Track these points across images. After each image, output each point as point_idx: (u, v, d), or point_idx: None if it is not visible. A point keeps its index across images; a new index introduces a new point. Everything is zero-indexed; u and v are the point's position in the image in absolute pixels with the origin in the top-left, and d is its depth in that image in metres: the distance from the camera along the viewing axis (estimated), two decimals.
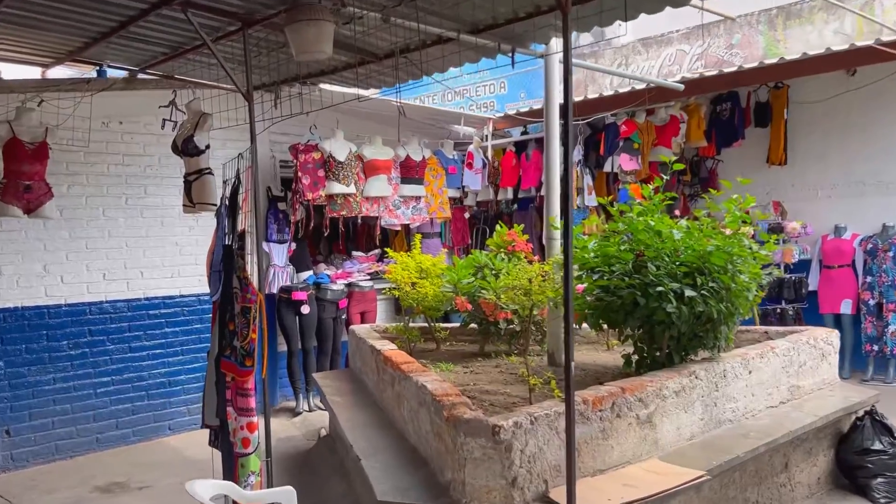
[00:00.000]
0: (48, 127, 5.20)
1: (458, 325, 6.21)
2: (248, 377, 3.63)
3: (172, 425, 6.54)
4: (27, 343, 5.77)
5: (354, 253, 8.06)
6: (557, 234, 4.88)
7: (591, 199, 7.64)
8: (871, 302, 7.42)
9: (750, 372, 4.23)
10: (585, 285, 4.15)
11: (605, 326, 4.27)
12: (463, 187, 8.25)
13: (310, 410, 7.02)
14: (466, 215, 8.82)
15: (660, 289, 3.73)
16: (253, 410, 3.69)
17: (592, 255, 4.39)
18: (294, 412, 6.99)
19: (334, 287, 7.29)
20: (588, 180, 7.68)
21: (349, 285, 7.50)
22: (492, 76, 10.72)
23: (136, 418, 6.33)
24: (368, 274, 7.81)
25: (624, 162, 7.42)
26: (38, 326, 5.83)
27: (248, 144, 4.28)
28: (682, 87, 7.01)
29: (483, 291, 5.12)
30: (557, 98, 4.94)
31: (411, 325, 6.18)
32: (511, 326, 5.16)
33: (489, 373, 4.74)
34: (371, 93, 6.17)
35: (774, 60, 7.10)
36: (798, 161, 8.20)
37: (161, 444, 6.39)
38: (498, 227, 5.76)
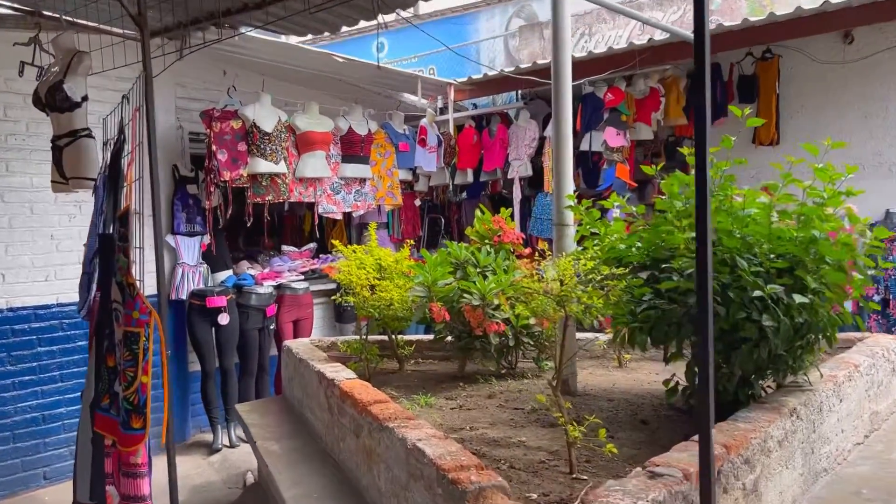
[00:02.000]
0: None
1: (421, 337, 4.94)
2: (136, 446, 2.26)
3: (49, 473, 5.01)
4: None
5: (284, 248, 6.67)
6: (571, 218, 3.69)
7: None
8: (876, 298, 6.59)
9: (840, 400, 3.16)
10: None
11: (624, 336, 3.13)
12: (414, 168, 6.96)
13: (231, 446, 5.60)
14: (417, 202, 7.54)
15: (757, 293, 2.58)
16: (147, 499, 2.33)
17: (627, 246, 3.23)
18: (211, 448, 5.55)
19: (260, 290, 5.88)
20: None
21: (279, 288, 6.10)
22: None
23: None
24: (302, 273, 6.43)
25: (610, 137, 6.31)
26: None
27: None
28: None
29: (466, 296, 3.90)
30: (569, 43, 3.74)
31: (349, 338, 4.90)
32: (502, 341, 3.95)
33: (484, 407, 3.50)
34: (306, 41, 4.83)
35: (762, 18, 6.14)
36: (790, 140, 7.31)
37: (33, 500, 4.86)
38: (478, 212, 4.52)
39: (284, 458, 3.54)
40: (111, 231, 2.63)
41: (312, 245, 6.77)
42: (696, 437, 2.37)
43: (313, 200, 6.11)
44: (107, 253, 2.62)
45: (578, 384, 3.79)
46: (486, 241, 4.35)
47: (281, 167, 5.66)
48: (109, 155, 2.86)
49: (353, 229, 7.40)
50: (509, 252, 4.32)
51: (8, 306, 4.85)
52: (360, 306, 4.10)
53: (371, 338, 4.95)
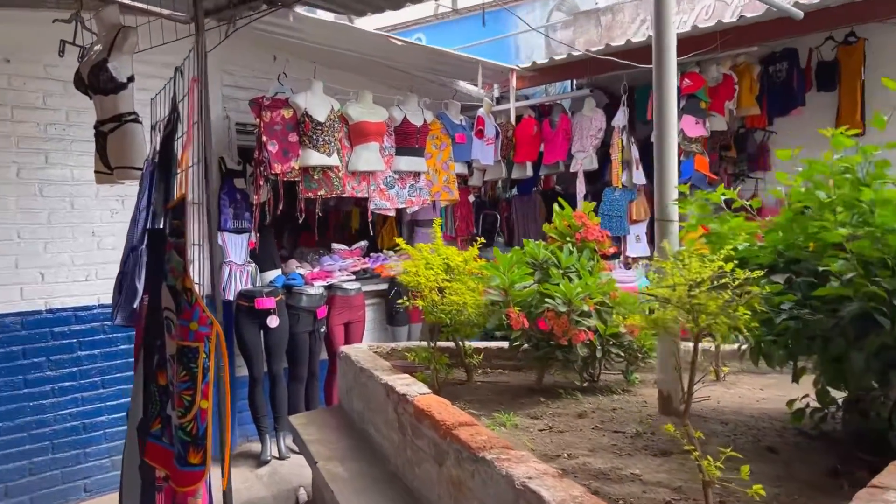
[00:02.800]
0: None
1: (489, 344, 4.52)
2: (194, 486, 1.87)
3: (90, 485, 4.70)
4: None
5: (334, 246, 6.29)
6: (676, 214, 3.23)
7: (640, 176, 6.01)
8: None
9: None
10: None
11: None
12: (470, 162, 6.53)
13: (280, 458, 5.24)
14: (471, 198, 7.11)
15: None
16: None
17: (749, 245, 2.76)
18: (259, 460, 5.20)
19: (311, 291, 5.51)
20: (636, 152, 6.05)
21: (329, 288, 5.73)
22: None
23: (36, 480, 4.46)
24: (353, 273, 6.05)
25: (688, 126, 5.80)
26: None
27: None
28: (801, 14, 5.38)
29: (549, 301, 3.47)
30: (672, 14, 3.28)
31: (409, 344, 4.51)
32: (589, 352, 3.51)
33: (577, 429, 3.07)
34: (364, 24, 4.44)
35: None
36: (876, 130, 6.72)
37: None
38: (556, 206, 4.07)
39: (351, 484, 3.14)
40: (162, 225, 2.26)
41: (363, 243, 6.39)
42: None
43: (366, 196, 5.72)
44: (156, 251, 2.25)
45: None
46: (568, 238, 3.90)
47: (334, 159, 5.28)
48: (160, 138, 2.50)
49: (404, 227, 7.00)
50: (593, 251, 3.87)
51: (47, 307, 4.54)
52: (429, 311, 3.69)
53: (425, 343, 4.56)
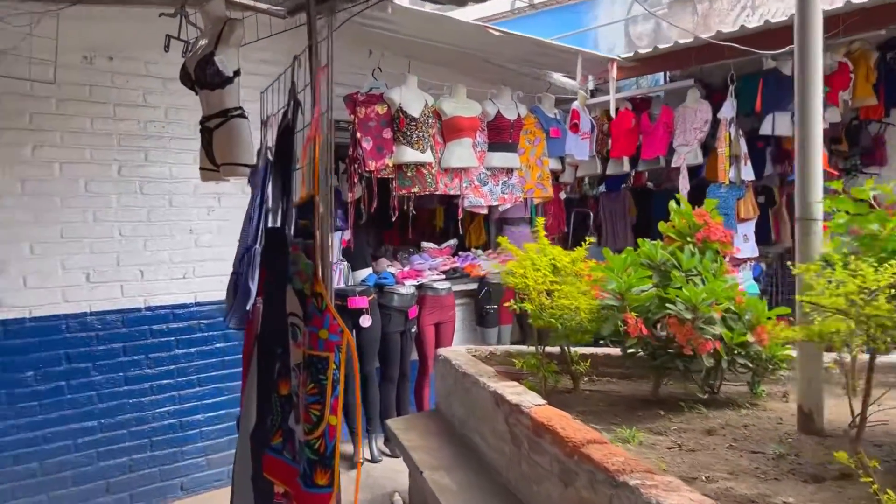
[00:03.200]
0: None
1: (595, 350, 4.27)
2: None
3: (186, 483, 4.69)
4: None
5: (424, 244, 6.15)
6: (819, 211, 2.92)
7: (749, 172, 5.64)
8: None
9: None
10: None
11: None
12: (564, 157, 6.28)
13: (372, 460, 5.13)
14: (563, 195, 6.85)
15: None
16: None
17: None
18: (351, 462, 5.10)
19: (402, 290, 5.38)
20: (744, 146, 5.67)
21: (419, 288, 5.59)
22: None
23: (135, 477, 4.48)
24: (442, 272, 5.90)
25: None
26: None
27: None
28: None
29: (671, 307, 3.21)
30: None
31: (509, 348, 4.31)
32: (714, 362, 3.24)
33: (709, 447, 2.80)
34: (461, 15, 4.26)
35: None
36: None
37: None
38: (673, 203, 3.80)
39: (460, 496, 2.97)
40: (283, 225, 2.14)
41: (453, 242, 6.23)
42: None
43: (458, 193, 5.55)
44: (275, 251, 2.12)
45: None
46: (688, 238, 3.63)
47: (427, 156, 5.14)
48: (276, 131, 2.38)
49: (492, 225, 6.81)
50: (716, 252, 3.59)
51: (146, 305, 4.55)
52: (537, 315, 3.48)
53: (529, 348, 4.36)
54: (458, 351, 4.27)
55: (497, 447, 3.18)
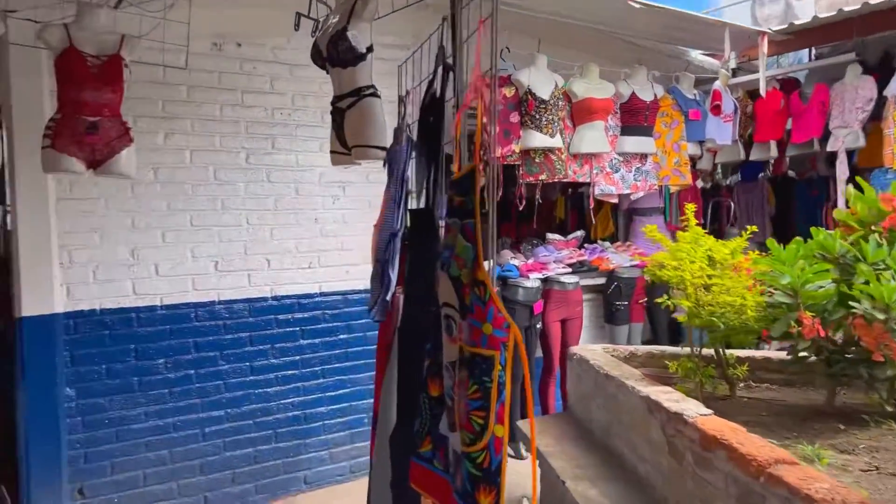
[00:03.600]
0: (124, 35, 3.29)
1: (753, 353, 3.83)
2: None
3: (309, 477, 4.62)
4: (108, 362, 3.98)
5: (549, 236, 5.83)
6: None
7: None
8: None
9: None
10: None
11: None
12: (702, 141, 5.78)
13: None
14: (700, 183, 6.35)
15: None
16: None
17: None
18: None
19: (527, 284, 5.09)
20: None
21: (545, 281, 5.28)
22: None
23: (260, 469, 4.44)
24: (569, 265, 5.56)
25: None
26: (124, 338, 4.03)
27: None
28: None
29: (855, 305, 2.77)
30: None
31: (651, 349, 3.94)
32: None
33: None
34: None
35: None
36: None
37: None
38: (850, 188, 3.31)
39: None
40: (431, 204, 1.92)
41: (580, 233, 5.88)
42: None
43: (588, 180, 5.20)
44: (420, 235, 1.91)
45: None
46: (873, 228, 3.14)
47: (556, 141, 4.82)
48: (422, 101, 2.17)
49: (619, 215, 6.40)
50: None
51: (273, 294, 4.49)
52: (693, 312, 3.11)
53: (676, 349, 3.98)
54: (594, 350, 3.94)
55: (651, 459, 2.84)
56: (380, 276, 2.22)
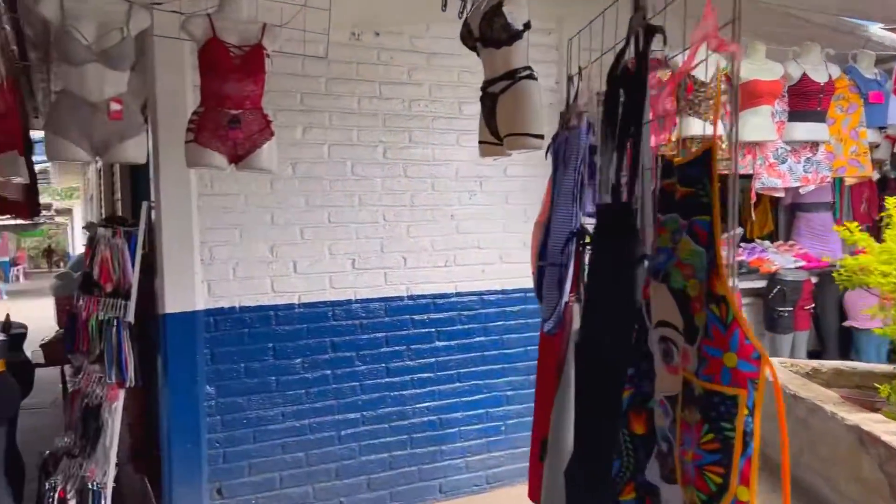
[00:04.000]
0: (266, 24, 3.16)
1: None
2: None
3: (445, 485, 4.40)
4: (247, 360, 3.91)
5: None
6: None
7: None
8: None
9: None
10: None
11: None
12: (883, 128, 5.09)
13: None
14: (875, 176, 5.62)
15: None
16: None
17: None
18: None
19: None
20: None
21: None
22: None
23: (395, 475, 4.26)
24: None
25: None
26: (262, 336, 3.95)
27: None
28: None
29: None
30: None
31: (838, 365, 3.43)
32: None
33: None
34: None
35: None
36: None
37: None
38: None
39: None
40: (623, 197, 1.60)
41: (738, 230, 5.33)
42: None
43: (751, 172, 4.68)
44: (613, 234, 1.59)
45: None
46: None
47: (717, 128, 4.33)
48: (609, 76, 1.86)
49: (781, 211, 5.78)
50: None
51: (408, 293, 4.30)
52: None
53: (864, 365, 3.46)
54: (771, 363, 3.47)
55: (862, 501, 2.39)
56: (557, 281, 1.94)
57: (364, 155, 4.16)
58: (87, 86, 2.90)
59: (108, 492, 3.39)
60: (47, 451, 3.77)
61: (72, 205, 23.12)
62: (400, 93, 4.24)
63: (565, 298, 1.94)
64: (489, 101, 2.74)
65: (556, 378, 1.98)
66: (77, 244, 24.67)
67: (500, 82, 2.67)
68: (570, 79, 2.58)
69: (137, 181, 5.97)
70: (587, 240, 2.03)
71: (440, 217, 4.37)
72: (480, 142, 2.88)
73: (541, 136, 2.59)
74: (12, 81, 3.59)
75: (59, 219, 30.88)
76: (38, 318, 4.22)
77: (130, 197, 5.89)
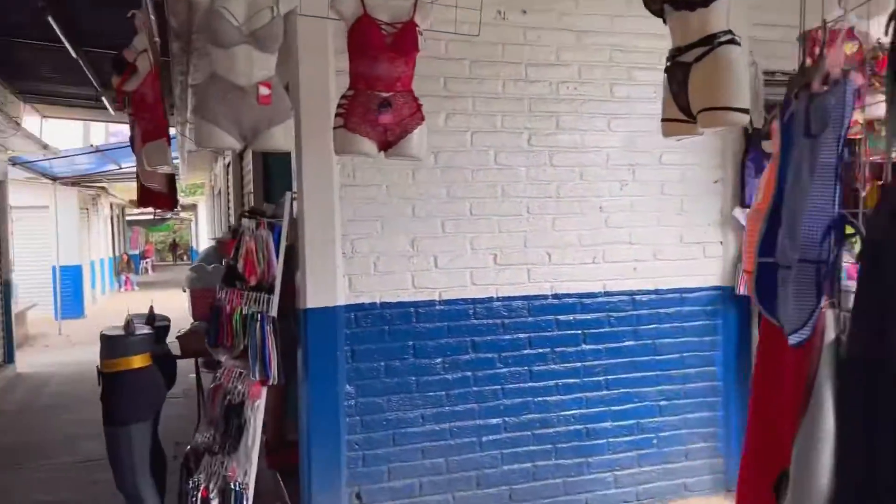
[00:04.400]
0: (417, 0, 2.93)
1: None
2: None
3: (591, 500, 4.07)
4: (387, 359, 3.73)
5: None
6: None
7: None
8: None
9: None
10: None
11: None
12: None
13: None
14: None
15: None
16: None
17: None
18: None
19: None
20: None
21: None
22: None
23: (538, 487, 3.97)
24: None
25: None
26: (402, 333, 3.76)
27: None
28: None
29: None
30: None
31: None
32: None
33: None
34: None
35: None
36: None
37: None
38: None
39: None
40: None
41: None
42: None
43: None
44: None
45: None
46: None
47: None
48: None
49: None
50: None
51: (553, 292, 3.99)
52: None
53: None
54: None
55: None
56: (814, 282, 1.59)
57: (508, 142, 3.89)
58: (236, 69, 2.77)
59: (251, 493, 3.28)
60: (188, 446, 3.72)
61: (196, 201, 24.21)
62: (547, 75, 3.94)
63: (821, 304, 1.58)
64: (679, 73, 2.39)
65: (799, 399, 1.62)
66: (201, 239, 25.86)
67: (695, 49, 2.32)
68: (804, 35, 2.20)
69: (269, 174, 5.97)
70: (848, 231, 1.66)
71: (588, 209, 4.04)
72: (664, 120, 2.54)
73: (746, 111, 2.23)
74: (158, 71, 3.54)
75: (183, 214, 32.59)
76: (169, 308, 4.20)
77: (262, 190, 5.89)
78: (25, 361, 9.62)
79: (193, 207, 27.38)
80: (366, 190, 3.67)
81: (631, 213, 4.10)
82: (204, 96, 2.82)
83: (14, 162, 9.89)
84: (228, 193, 9.61)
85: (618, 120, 4.04)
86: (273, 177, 5.76)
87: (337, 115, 2.93)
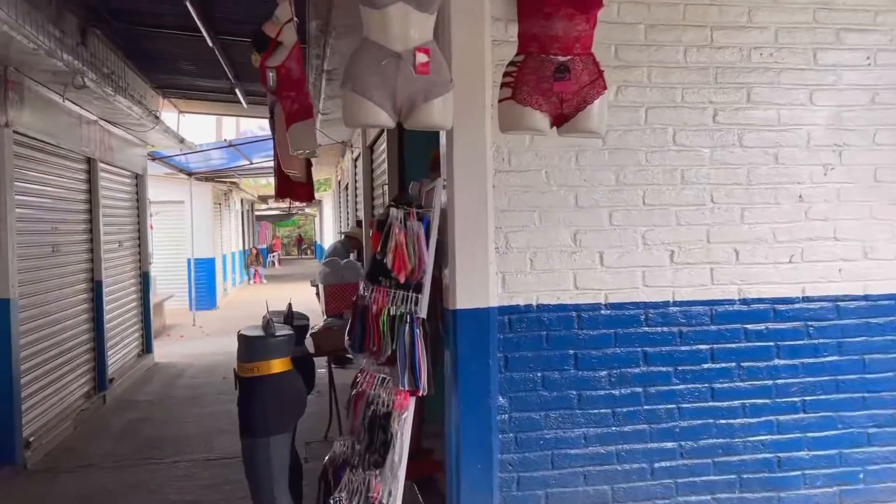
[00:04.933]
0: None
1: None
2: None
3: None
4: (544, 370, 3.26)
5: None
6: None
7: None
8: None
9: None
10: None
11: None
12: None
13: None
14: None
15: None
16: None
17: None
18: None
19: None
20: None
21: None
22: None
23: None
24: None
25: None
26: (562, 341, 3.28)
27: None
28: None
29: None
30: None
31: None
32: None
33: None
34: None
35: None
36: None
37: None
38: None
39: None
40: None
41: None
42: None
43: None
44: None
45: None
46: None
47: None
48: None
49: None
50: None
51: (740, 296, 3.40)
52: None
53: None
54: None
55: None
56: None
57: (689, 119, 3.33)
58: (391, 31, 2.39)
59: None
60: (326, 458, 3.41)
61: (320, 196, 24.68)
62: (737, 39, 3.34)
63: None
64: None
65: None
66: (325, 234, 26.38)
67: None
68: None
69: (405, 165, 5.66)
70: None
71: (784, 198, 3.41)
72: None
73: None
74: (300, 50, 3.24)
75: (308, 210, 33.50)
76: (297, 303, 3.94)
77: (398, 181, 5.57)
78: (162, 351, 9.89)
79: (318, 203, 28.00)
80: (522, 176, 3.22)
81: (837, 204, 3.44)
82: (355, 66, 2.45)
83: (153, 157, 10.17)
84: (356, 187, 9.45)
85: (821, 92, 3.40)
86: (409, 169, 5.44)
87: (503, 84, 2.50)
